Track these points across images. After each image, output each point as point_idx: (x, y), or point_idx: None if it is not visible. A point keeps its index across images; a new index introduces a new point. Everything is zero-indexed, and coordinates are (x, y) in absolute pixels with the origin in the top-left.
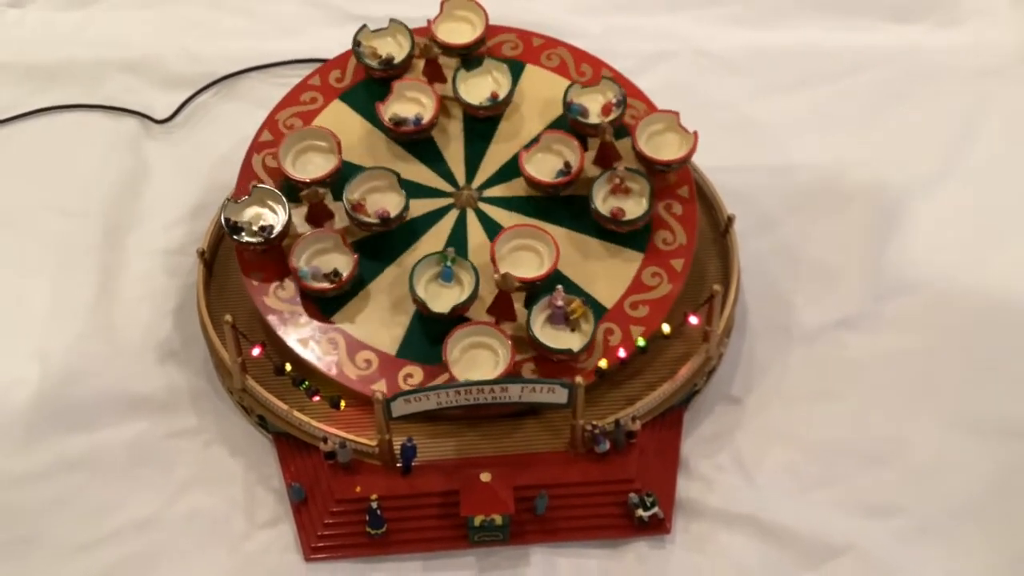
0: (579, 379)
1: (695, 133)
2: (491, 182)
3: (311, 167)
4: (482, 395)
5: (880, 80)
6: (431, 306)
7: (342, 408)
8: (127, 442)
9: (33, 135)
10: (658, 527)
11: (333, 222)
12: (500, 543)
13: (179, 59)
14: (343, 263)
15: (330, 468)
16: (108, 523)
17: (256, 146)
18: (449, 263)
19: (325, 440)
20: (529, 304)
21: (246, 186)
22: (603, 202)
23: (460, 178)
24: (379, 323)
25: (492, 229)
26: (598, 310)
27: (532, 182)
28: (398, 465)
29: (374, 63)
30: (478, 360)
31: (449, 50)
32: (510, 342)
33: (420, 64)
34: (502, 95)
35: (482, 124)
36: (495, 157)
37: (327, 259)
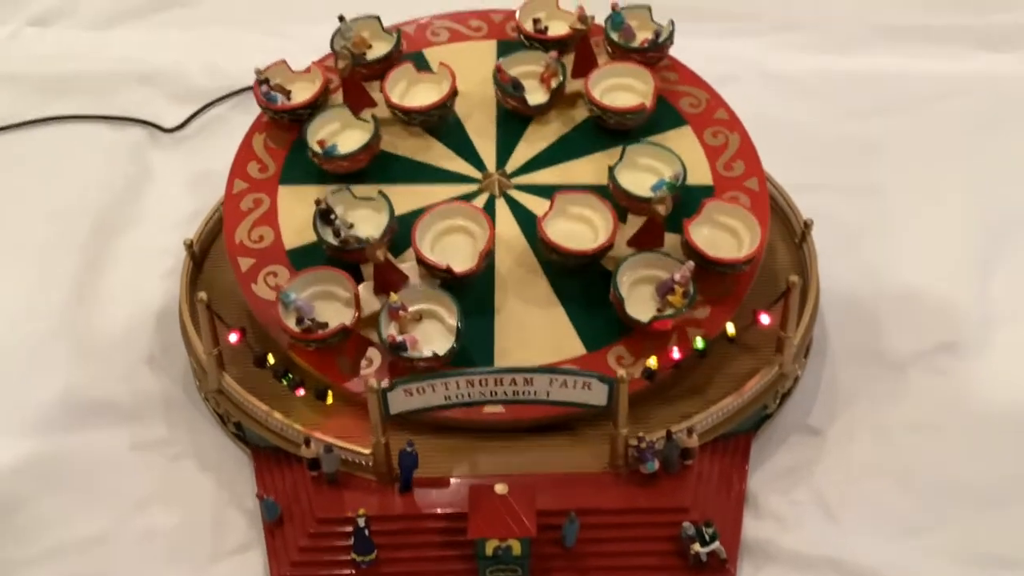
0: (622, 373)
1: (656, 89)
2: (519, 171)
3: (448, 251)
4: (500, 387)
5: (962, 108)
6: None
7: (329, 402)
8: (83, 451)
9: (36, 143)
10: (719, 570)
11: (406, 286)
12: None
13: (201, 74)
14: (336, 319)
15: (313, 483)
16: (50, 539)
17: (246, 276)
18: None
19: (308, 443)
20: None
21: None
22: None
23: (472, 172)
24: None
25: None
26: (703, 192)
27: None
28: (396, 480)
29: (349, 57)
30: (575, 234)
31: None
32: (613, 219)
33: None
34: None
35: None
36: (508, 146)
37: (329, 307)
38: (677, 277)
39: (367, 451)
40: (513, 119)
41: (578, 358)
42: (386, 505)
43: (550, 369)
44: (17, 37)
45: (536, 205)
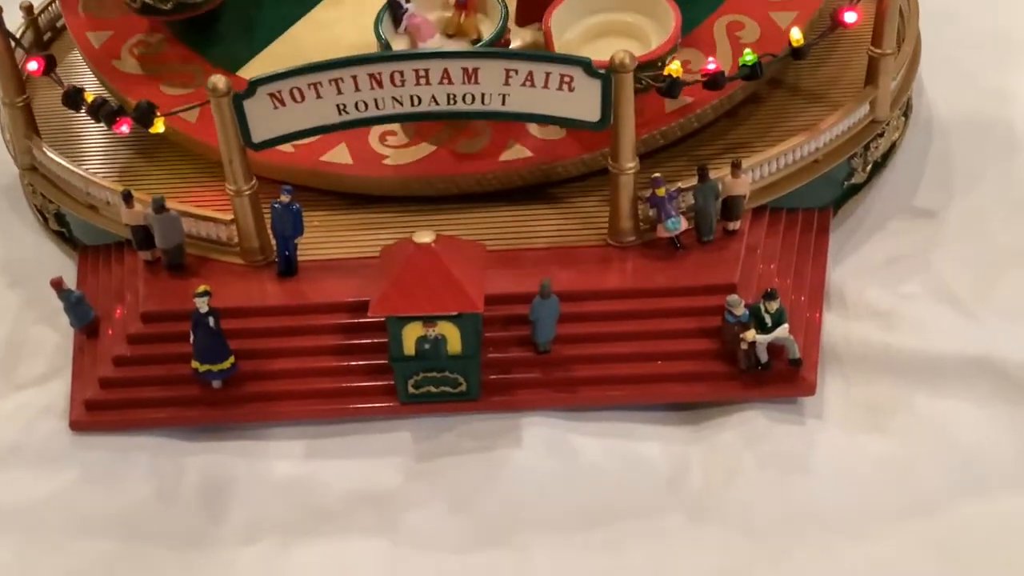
0: (622, 55)
1: None
2: None
3: None
4: (427, 89)
5: None
6: None
7: (157, 126)
8: None
9: None
10: (791, 380)
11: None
12: (460, 404)
13: None
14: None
15: (147, 271)
16: None
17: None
18: None
19: (128, 198)
20: None
21: None
22: None
23: None
24: None
25: None
26: None
27: None
28: (272, 259)
29: None
30: None
31: None
32: None
33: None
34: None
35: None
36: None
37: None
38: None
39: (227, 217)
40: None
41: None
42: (256, 294)
43: (505, 52)
44: None
45: None
